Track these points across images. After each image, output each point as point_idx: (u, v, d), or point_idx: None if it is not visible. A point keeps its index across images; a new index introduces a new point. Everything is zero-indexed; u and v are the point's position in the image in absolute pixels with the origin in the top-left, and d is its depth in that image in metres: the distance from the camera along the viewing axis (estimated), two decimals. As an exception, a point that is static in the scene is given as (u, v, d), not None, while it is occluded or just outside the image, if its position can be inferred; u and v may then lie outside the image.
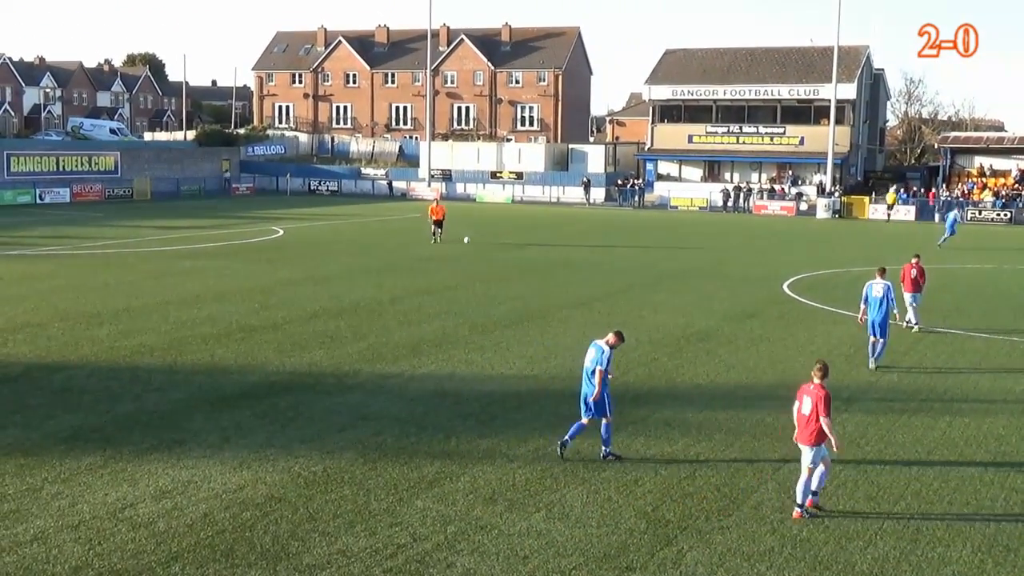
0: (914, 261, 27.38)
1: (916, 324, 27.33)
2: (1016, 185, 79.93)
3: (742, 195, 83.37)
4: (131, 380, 20.51)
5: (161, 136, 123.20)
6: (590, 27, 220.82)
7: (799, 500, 13.73)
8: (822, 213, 77.91)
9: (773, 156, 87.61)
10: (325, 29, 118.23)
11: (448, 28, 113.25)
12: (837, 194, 79.99)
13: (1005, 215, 74.72)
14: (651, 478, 15.01)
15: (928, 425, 18.27)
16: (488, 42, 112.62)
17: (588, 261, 43.04)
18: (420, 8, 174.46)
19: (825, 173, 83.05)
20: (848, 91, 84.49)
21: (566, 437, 15.94)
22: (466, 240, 46.85)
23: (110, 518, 13.11)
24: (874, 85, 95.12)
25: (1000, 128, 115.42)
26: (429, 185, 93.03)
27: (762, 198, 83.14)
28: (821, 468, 13.80)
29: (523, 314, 29.08)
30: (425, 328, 26.59)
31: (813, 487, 13.80)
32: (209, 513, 13.32)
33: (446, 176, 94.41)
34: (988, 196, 78.03)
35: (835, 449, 13.65)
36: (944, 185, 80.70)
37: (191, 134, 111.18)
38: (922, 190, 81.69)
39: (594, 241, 53.14)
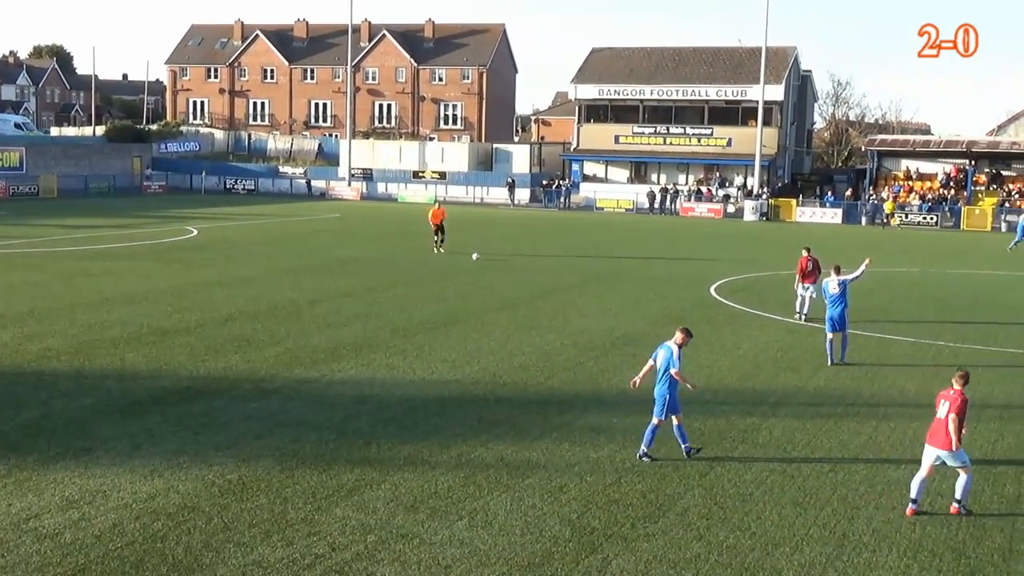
0: (805, 254, 29.42)
1: (801, 312, 29.61)
2: (942, 189, 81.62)
3: (669, 197, 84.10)
4: (36, 385, 20.14)
5: (69, 131, 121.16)
6: (515, 24, 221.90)
7: (914, 496, 14.23)
8: (749, 215, 78.95)
9: (700, 157, 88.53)
10: (242, 22, 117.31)
11: (369, 23, 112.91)
12: (765, 196, 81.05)
13: (931, 218, 76.27)
14: (576, 485, 15.08)
15: (854, 429, 18.58)
16: (411, 38, 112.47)
17: (512, 263, 43.12)
18: (340, 2, 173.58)
19: (752, 175, 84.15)
20: (776, 92, 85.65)
21: (644, 448, 16.39)
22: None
23: (14, 529, 12.86)
24: (802, 87, 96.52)
25: (927, 131, 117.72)
26: (349, 184, 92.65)
27: (689, 200, 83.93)
28: (964, 476, 14.22)
29: (446, 317, 29.06)
30: (345, 331, 26.46)
31: (958, 495, 14.29)
32: (118, 523, 13.12)
33: (367, 175, 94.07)
34: (915, 199, 79.61)
35: (952, 448, 14.01)
36: (871, 188, 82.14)
37: (100, 129, 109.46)
38: (848, 192, 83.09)
39: (518, 243, 53.27)
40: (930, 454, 14.25)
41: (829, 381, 22.52)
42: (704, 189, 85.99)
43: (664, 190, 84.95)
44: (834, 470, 16.11)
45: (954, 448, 14.02)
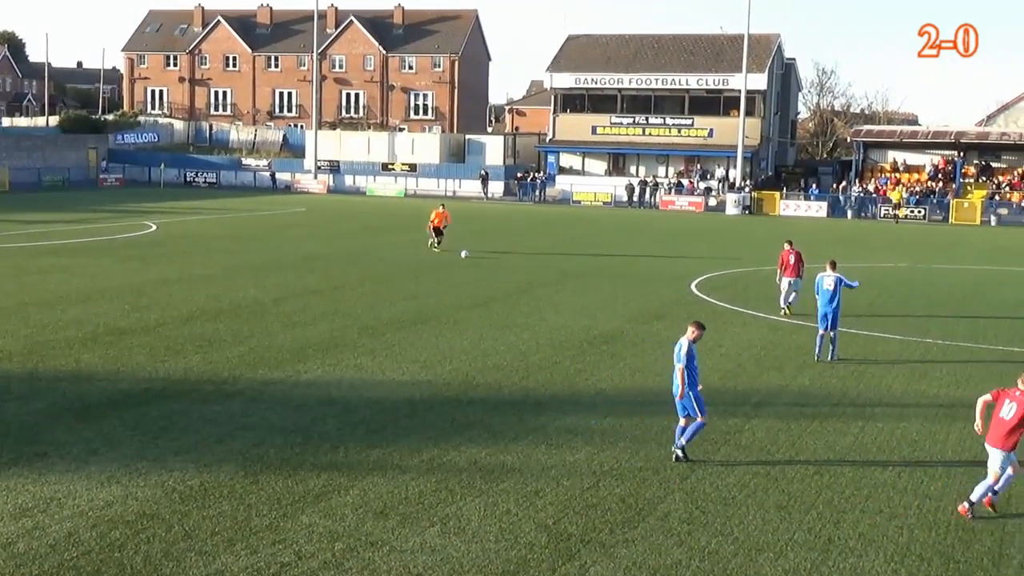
0: (787, 247, 30.30)
1: (787, 305, 30.41)
2: (929, 181, 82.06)
3: (648, 190, 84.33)
4: (-13, 388, 20.00)
5: (21, 122, 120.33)
6: (488, 10, 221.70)
7: (973, 498, 14.43)
8: (732, 209, 79.16)
9: (681, 149, 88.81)
10: (203, 8, 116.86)
11: (336, 9, 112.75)
12: (747, 189, 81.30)
13: (919, 212, 76.66)
14: (552, 489, 15.09)
15: (840, 430, 18.65)
16: (379, 24, 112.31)
17: (486, 259, 43.09)
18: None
19: (735, 167, 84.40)
20: (758, 81, 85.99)
21: (683, 441, 16.52)
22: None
23: (-37, 539, 12.77)
24: (785, 75, 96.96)
25: (914, 121, 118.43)
26: (316, 177, 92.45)
27: (669, 193, 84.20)
28: (1009, 471, 14.40)
29: (416, 315, 29.03)
30: (311, 330, 26.39)
31: (997, 486, 14.45)
32: (74, 532, 13.04)
33: (334, 168, 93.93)
34: (902, 192, 79.99)
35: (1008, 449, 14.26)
36: (857, 180, 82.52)
37: (54, 120, 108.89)
38: (833, 185, 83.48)
39: (492, 238, 53.25)
40: (993, 456, 14.46)
41: (814, 380, 22.61)
42: (685, 182, 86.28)
43: (643, 183, 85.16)
44: (819, 472, 16.18)
45: None
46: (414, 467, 15.89)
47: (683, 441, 16.49)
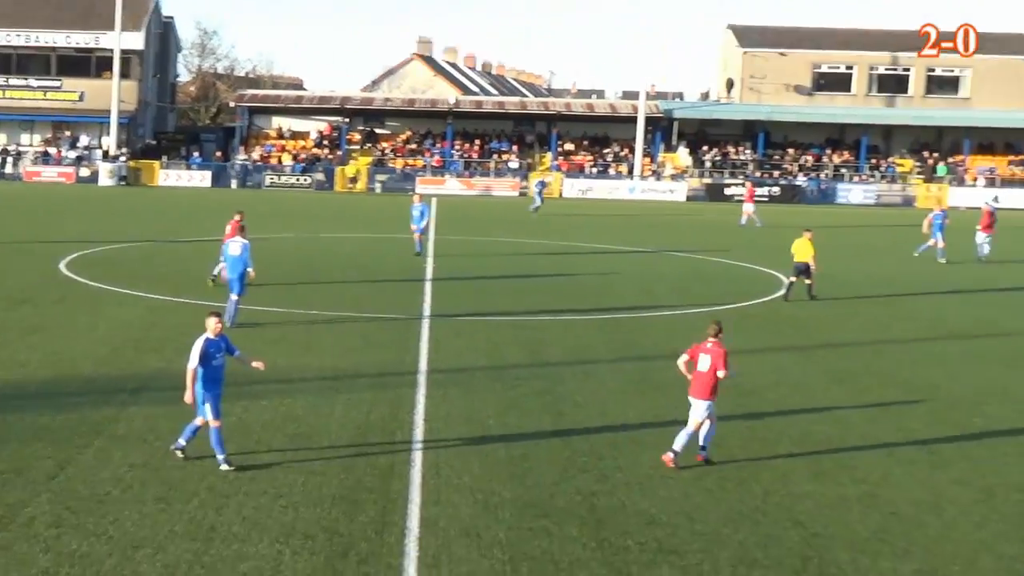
0: (237, 217, 29.84)
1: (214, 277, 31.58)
2: (316, 148, 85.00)
3: (10, 160, 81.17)
4: None
5: None
6: None
7: (676, 447, 16.31)
8: (106, 180, 77.89)
9: (48, 114, 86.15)
10: None
11: None
12: (124, 158, 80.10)
13: (306, 180, 79.15)
14: None
15: (225, 411, 18.79)
16: None
17: None
18: None
19: (109, 134, 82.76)
20: (135, 40, 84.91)
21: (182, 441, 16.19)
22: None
23: None
24: (164, 35, 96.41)
25: (300, 86, 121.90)
26: None
27: (35, 163, 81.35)
28: (708, 424, 16.47)
29: None
30: None
31: (701, 441, 16.55)
32: None
33: None
34: (288, 159, 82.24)
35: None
36: (242, 147, 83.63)
37: None
38: (217, 153, 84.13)
39: None
40: (697, 406, 16.40)
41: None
42: (52, 150, 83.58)
43: (4, 152, 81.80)
44: (202, 460, 16.12)
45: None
46: None
47: (183, 441, 16.26)
